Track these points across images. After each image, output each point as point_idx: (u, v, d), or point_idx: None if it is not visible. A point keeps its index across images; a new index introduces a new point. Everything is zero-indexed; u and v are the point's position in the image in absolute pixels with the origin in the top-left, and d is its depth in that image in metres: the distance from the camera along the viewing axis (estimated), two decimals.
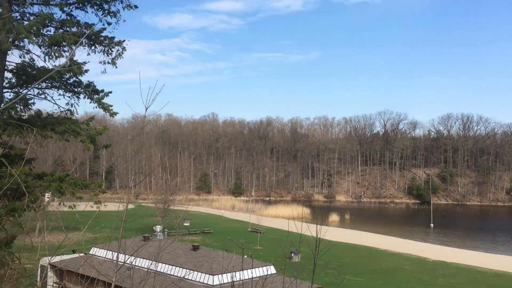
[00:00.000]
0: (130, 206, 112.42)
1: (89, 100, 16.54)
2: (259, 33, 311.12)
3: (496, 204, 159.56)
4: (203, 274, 32.86)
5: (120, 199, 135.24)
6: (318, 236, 6.38)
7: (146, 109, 5.93)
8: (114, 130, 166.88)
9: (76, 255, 40.77)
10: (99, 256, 40.91)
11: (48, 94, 16.39)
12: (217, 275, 31.90)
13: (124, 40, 16.63)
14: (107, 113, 16.73)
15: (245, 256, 39.17)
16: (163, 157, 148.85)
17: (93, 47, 16.68)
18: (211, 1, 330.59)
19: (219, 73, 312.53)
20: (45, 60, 15.33)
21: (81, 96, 16.73)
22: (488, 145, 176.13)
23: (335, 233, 70.74)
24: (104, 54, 16.60)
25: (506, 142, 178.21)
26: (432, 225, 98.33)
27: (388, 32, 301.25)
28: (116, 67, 16.41)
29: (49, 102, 16.20)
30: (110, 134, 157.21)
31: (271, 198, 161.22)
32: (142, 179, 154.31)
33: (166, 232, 65.50)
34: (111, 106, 16.56)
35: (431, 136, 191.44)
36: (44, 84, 15.84)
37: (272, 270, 35.96)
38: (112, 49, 16.64)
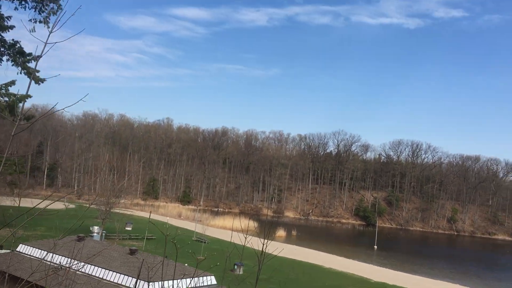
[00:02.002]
0: (71, 206, 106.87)
1: (12, 63, 14.19)
2: (222, 44, 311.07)
3: (437, 231, 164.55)
4: (139, 281, 30.63)
5: (60, 197, 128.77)
6: (265, 244, 5.88)
7: (50, 33, 4.27)
8: (61, 126, 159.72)
9: (2, 251, 37.85)
10: (27, 254, 37.95)
11: None
12: (153, 283, 29.79)
13: None
14: (32, 80, 14.43)
15: (186, 265, 37.10)
16: (111, 158, 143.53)
17: (23, 2, 14.44)
18: (177, 6, 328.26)
19: (178, 79, 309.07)
20: None
21: (4, 58, 14.37)
22: (434, 174, 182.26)
23: (280, 248, 69.69)
24: (35, 11, 14.41)
25: (451, 172, 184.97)
26: (375, 247, 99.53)
27: (348, 56, 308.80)
28: (49, 28, 14.05)
29: None
30: (57, 129, 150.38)
31: (219, 209, 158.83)
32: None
33: (104, 233, 62.21)
34: (38, 71, 14.27)
35: (381, 160, 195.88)
36: None
37: (213, 280, 34.27)
38: (46, 7, 14.43)
